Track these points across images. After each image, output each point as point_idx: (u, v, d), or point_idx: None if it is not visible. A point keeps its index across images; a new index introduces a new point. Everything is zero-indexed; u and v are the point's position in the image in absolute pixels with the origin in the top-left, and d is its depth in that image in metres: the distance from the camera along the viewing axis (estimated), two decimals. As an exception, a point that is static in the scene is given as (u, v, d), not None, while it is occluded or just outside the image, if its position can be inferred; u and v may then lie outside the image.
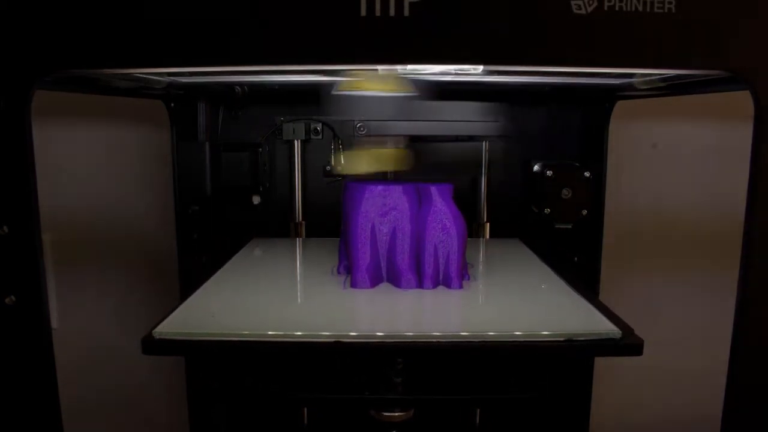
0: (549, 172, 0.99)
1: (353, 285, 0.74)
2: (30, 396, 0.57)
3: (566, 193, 1.00)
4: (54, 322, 1.11)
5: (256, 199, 1.06)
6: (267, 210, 1.08)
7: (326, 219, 1.05)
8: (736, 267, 0.56)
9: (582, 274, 1.07)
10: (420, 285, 0.74)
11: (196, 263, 1.08)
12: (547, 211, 1.01)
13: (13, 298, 0.55)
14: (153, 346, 0.59)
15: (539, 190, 1.01)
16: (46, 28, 0.52)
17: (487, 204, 1.06)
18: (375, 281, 0.75)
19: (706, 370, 1.08)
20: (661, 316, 1.22)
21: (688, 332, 1.23)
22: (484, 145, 1.04)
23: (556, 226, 1.03)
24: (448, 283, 0.74)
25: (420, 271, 0.74)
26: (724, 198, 1.13)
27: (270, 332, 0.60)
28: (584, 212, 1.01)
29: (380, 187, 0.74)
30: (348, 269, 0.78)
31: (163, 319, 0.62)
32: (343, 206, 0.77)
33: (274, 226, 1.08)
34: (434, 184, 0.75)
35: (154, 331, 0.59)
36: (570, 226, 1.03)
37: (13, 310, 0.55)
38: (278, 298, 0.72)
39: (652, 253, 1.20)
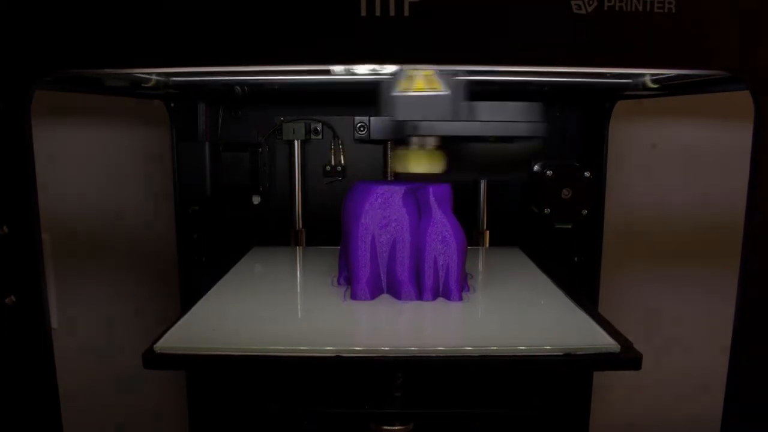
0: (549, 172, 0.99)
1: (353, 297, 0.74)
2: (30, 396, 0.57)
3: (566, 193, 1.00)
4: (54, 322, 1.11)
5: (256, 199, 1.06)
6: (267, 210, 1.08)
7: (326, 219, 1.05)
8: (736, 267, 0.56)
9: (582, 274, 1.07)
10: (420, 297, 0.74)
11: (195, 263, 1.08)
12: (547, 211, 1.01)
13: (13, 298, 0.55)
14: (154, 360, 0.59)
15: (539, 190, 1.01)
16: (45, 28, 0.52)
17: (487, 210, 1.06)
18: (375, 293, 0.75)
19: (706, 369, 1.08)
20: (661, 315, 1.22)
21: (688, 332, 1.23)
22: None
23: (556, 226, 1.03)
24: (447, 295, 0.74)
25: (420, 282, 0.74)
26: (724, 198, 1.13)
27: (271, 347, 0.60)
28: (584, 212, 1.01)
29: (380, 200, 0.74)
30: (348, 280, 0.78)
31: (163, 333, 0.62)
32: (343, 217, 0.77)
33: (274, 225, 1.08)
34: (432, 187, 0.75)
35: (155, 345, 0.59)
36: (570, 226, 1.03)
37: (13, 310, 0.55)
38: (279, 311, 0.72)
39: (652, 253, 1.20)
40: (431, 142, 0.77)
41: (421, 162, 0.76)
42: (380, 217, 0.74)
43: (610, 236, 1.05)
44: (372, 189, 0.75)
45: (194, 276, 1.07)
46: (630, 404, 1.28)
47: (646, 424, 1.30)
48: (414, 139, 0.76)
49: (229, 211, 1.08)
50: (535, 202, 1.02)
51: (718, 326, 0.71)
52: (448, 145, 0.78)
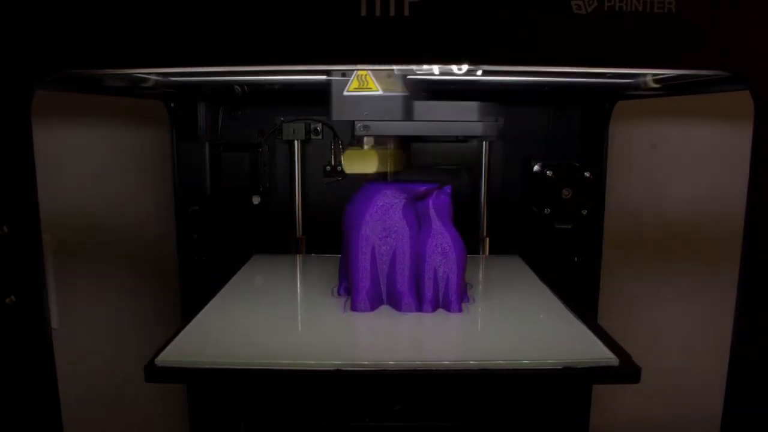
0: (549, 172, 1.00)
1: (353, 308, 0.74)
2: (30, 396, 0.57)
3: (566, 193, 1.00)
4: (54, 322, 1.11)
5: (255, 199, 1.06)
6: (267, 210, 1.08)
7: (327, 220, 1.05)
8: (736, 267, 0.56)
9: (582, 274, 1.07)
10: (420, 308, 0.74)
11: (196, 263, 1.08)
12: (547, 211, 1.01)
13: (13, 298, 0.55)
14: (155, 373, 0.59)
15: (539, 191, 1.01)
16: (45, 28, 0.52)
17: (487, 216, 1.06)
18: (375, 304, 0.75)
19: (707, 369, 1.08)
20: (661, 316, 1.22)
21: (688, 332, 1.23)
22: (484, 146, 1.04)
23: (556, 227, 1.03)
24: (447, 307, 0.74)
25: (420, 294, 0.75)
26: (724, 198, 1.13)
27: (272, 360, 0.60)
28: (584, 212, 1.01)
29: (380, 211, 0.74)
30: (348, 290, 0.78)
31: (165, 346, 0.62)
32: (344, 226, 0.78)
33: (274, 225, 1.08)
34: (432, 197, 0.75)
35: (156, 359, 0.60)
36: (570, 227, 1.03)
37: (13, 310, 0.55)
38: (279, 323, 0.72)
39: (652, 253, 1.20)
40: (381, 141, 0.78)
41: (369, 162, 0.77)
42: (380, 228, 0.74)
43: (610, 236, 1.05)
44: (372, 200, 0.75)
45: (194, 276, 1.07)
46: (630, 405, 1.28)
47: (646, 426, 1.30)
48: (365, 139, 0.77)
49: (229, 211, 1.08)
50: (535, 203, 1.02)
51: (719, 326, 0.71)
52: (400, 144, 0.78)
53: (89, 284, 1.16)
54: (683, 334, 1.23)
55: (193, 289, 1.07)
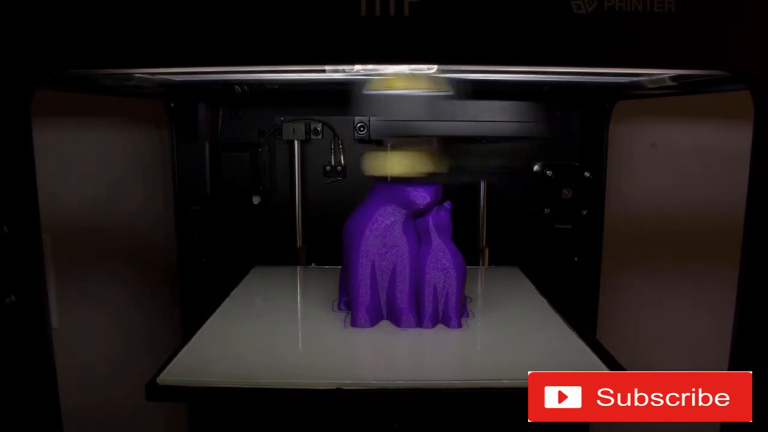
0: (549, 172, 1.00)
1: (353, 324, 0.75)
2: (30, 396, 0.57)
3: (566, 193, 1.00)
4: (54, 322, 1.11)
5: (256, 199, 1.06)
6: (267, 211, 1.08)
7: (327, 220, 1.05)
8: (736, 267, 0.56)
9: (582, 274, 1.07)
10: (419, 324, 0.74)
11: (196, 263, 1.08)
12: (547, 211, 1.01)
13: (13, 298, 0.55)
14: (157, 392, 0.59)
15: (539, 190, 1.01)
16: (45, 29, 0.52)
17: (486, 226, 1.05)
18: (375, 320, 0.75)
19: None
20: (661, 316, 1.22)
21: (688, 332, 1.23)
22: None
23: (556, 227, 1.03)
24: (447, 323, 0.74)
25: (419, 310, 0.75)
26: (724, 198, 1.12)
27: (273, 380, 0.60)
28: (584, 212, 1.01)
29: (380, 227, 0.75)
30: (348, 305, 0.78)
31: (165, 365, 0.63)
32: (344, 242, 0.78)
33: (273, 223, 1.08)
34: (432, 215, 0.75)
35: (158, 378, 0.60)
36: (570, 227, 1.03)
37: (13, 310, 0.55)
38: (280, 341, 0.72)
39: (652, 253, 1.20)
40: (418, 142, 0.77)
41: (403, 163, 0.76)
42: (380, 244, 0.75)
43: (610, 236, 1.05)
44: (372, 216, 0.75)
45: (194, 276, 1.07)
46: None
47: (646, 429, 1.30)
48: (393, 140, 0.77)
49: (229, 212, 1.08)
50: (535, 202, 1.02)
51: (719, 326, 0.71)
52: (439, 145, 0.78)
53: (89, 284, 1.16)
54: (683, 334, 1.23)
55: (193, 289, 1.07)
